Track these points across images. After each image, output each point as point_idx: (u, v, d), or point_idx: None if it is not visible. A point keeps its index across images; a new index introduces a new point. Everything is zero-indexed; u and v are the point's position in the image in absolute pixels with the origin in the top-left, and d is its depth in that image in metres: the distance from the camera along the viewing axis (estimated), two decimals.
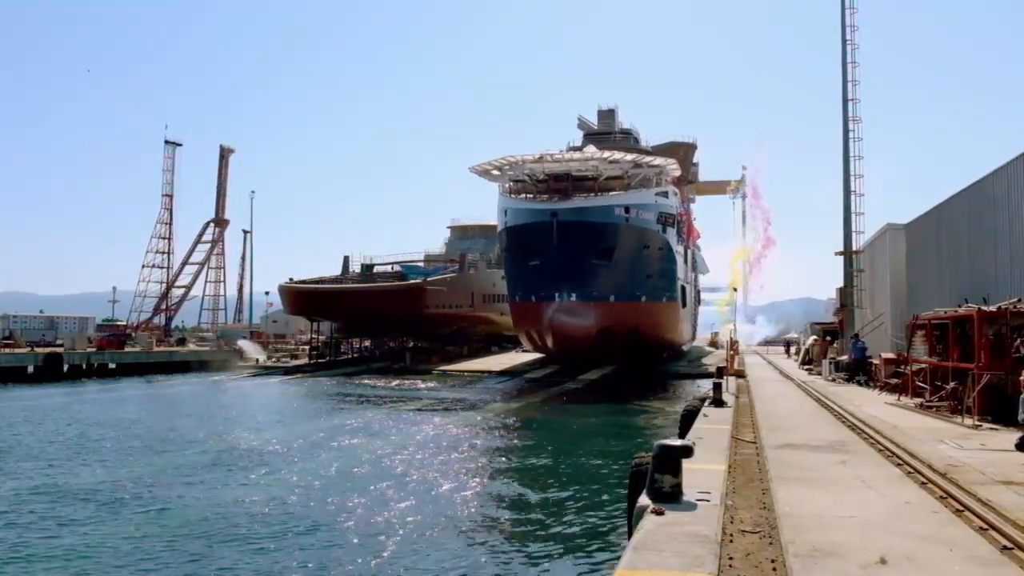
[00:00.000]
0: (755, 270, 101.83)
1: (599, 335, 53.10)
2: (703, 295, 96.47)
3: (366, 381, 53.62)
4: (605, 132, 71.86)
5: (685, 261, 70.29)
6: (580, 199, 53.60)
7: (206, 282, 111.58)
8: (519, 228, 54.00)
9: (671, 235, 59.37)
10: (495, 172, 57.76)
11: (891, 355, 26.91)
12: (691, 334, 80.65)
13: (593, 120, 75.33)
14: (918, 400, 20.30)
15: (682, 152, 77.11)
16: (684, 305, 67.28)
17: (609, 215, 52.77)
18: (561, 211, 51.32)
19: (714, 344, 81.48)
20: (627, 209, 53.73)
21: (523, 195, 56.92)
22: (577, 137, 72.80)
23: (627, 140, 71.53)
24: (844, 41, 34.58)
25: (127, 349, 71.17)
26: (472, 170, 58.46)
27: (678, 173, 62.42)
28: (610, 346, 53.34)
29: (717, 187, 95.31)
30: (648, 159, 58.91)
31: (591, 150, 58.86)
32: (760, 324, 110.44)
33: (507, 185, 58.31)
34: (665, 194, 59.48)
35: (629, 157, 56.86)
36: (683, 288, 66.28)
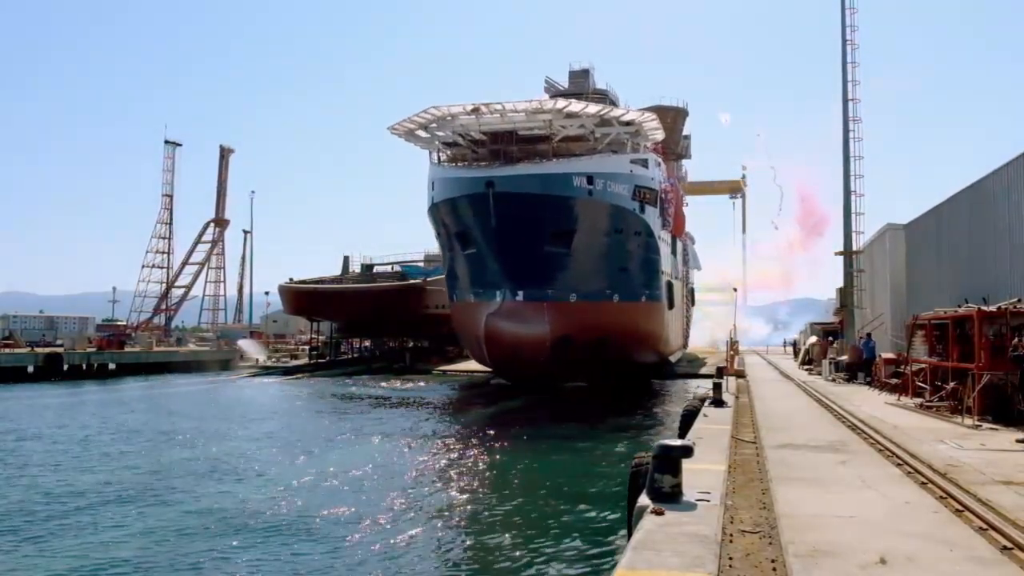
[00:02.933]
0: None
1: (555, 346, 41.93)
2: (699, 295, 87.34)
3: (368, 382, 53.56)
4: (575, 94, 55.75)
5: (673, 252, 58.72)
6: (526, 165, 42.01)
7: (206, 282, 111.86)
8: (447, 205, 42.60)
9: (652, 216, 47.23)
10: (422, 134, 45.98)
11: (891, 355, 26.91)
12: (681, 341, 68.16)
13: (563, 83, 61.75)
14: (918, 400, 20.29)
15: (669, 118, 65.31)
16: (671, 306, 54.63)
17: (565, 186, 41.15)
18: (499, 180, 39.80)
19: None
20: (590, 179, 41.92)
21: (460, 164, 45.58)
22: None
23: (602, 103, 53.92)
24: (844, 41, 34.57)
25: (127, 349, 71.15)
26: (393, 132, 45.93)
27: (660, 136, 50.01)
28: (570, 361, 42.11)
29: (715, 187, 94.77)
30: (619, 112, 45.99)
31: (544, 101, 45.65)
32: (762, 325, 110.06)
33: (438, 154, 47.06)
34: (644, 163, 47.06)
35: (593, 109, 43.74)
36: (669, 285, 53.88)
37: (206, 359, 72.49)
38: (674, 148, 72.05)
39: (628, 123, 45.83)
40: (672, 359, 58.61)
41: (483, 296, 43.62)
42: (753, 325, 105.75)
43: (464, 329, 47.24)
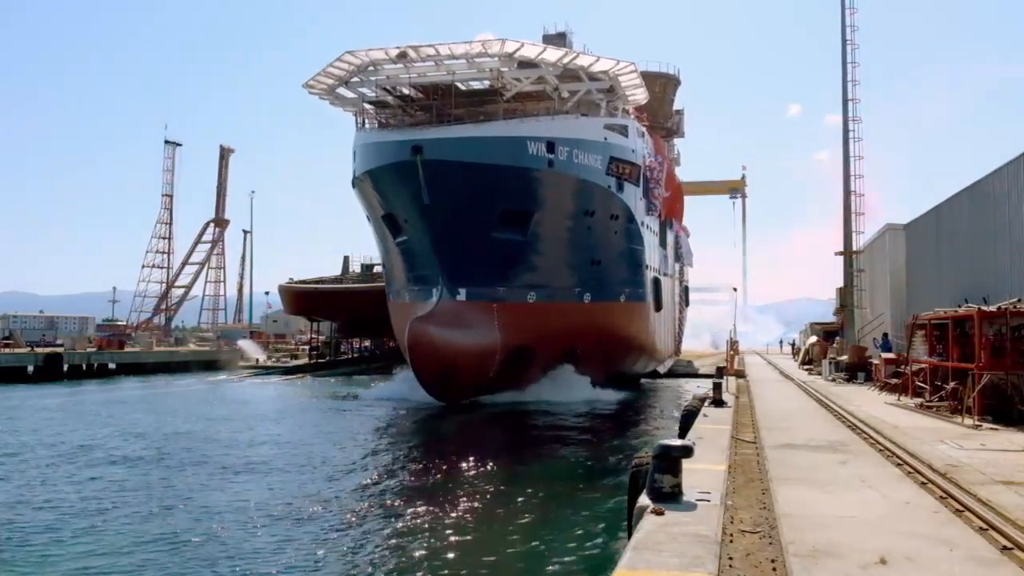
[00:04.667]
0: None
1: (507, 360, 34.38)
2: (696, 295, 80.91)
3: (368, 381, 53.52)
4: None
5: (663, 243, 51.06)
6: (466, 126, 34.13)
7: (206, 282, 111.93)
8: (368, 179, 34.89)
9: (633, 197, 39.83)
10: (346, 93, 38.40)
11: (891, 355, 26.90)
12: (672, 347, 59.79)
13: None
14: (918, 400, 20.29)
15: (658, 86, 57.68)
16: (659, 307, 46.45)
17: (516, 153, 33.04)
18: (429, 144, 31.87)
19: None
20: (551, 146, 33.96)
21: (393, 128, 37.12)
22: None
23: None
24: (844, 41, 34.55)
25: (127, 349, 71.20)
26: (312, 91, 38.19)
27: (643, 96, 41.35)
28: (527, 378, 35.78)
29: (715, 187, 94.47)
30: (587, 60, 36.77)
31: (489, 41, 35.36)
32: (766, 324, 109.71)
33: (365, 117, 38.61)
34: (622, 130, 39.31)
35: (553, 55, 35.56)
36: (656, 282, 45.86)
37: (206, 359, 72.51)
38: (664, 122, 62.30)
39: (599, 76, 37.39)
40: (661, 369, 52.33)
41: (419, 295, 35.93)
42: (761, 324, 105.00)
43: (399, 336, 37.92)
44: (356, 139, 37.30)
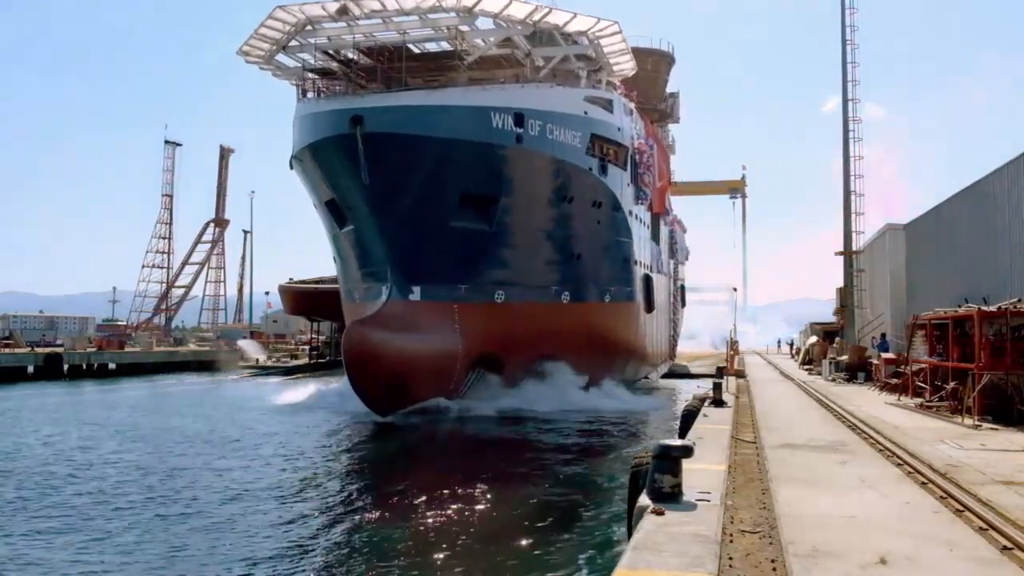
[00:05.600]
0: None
1: (472, 369, 31.08)
2: (696, 295, 79.74)
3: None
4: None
5: (655, 237, 46.64)
6: (415, 93, 29.68)
7: (206, 282, 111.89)
8: (304, 156, 30.35)
9: (619, 182, 35.84)
10: (287, 61, 33.89)
11: (891, 355, 26.91)
12: (667, 350, 55.68)
13: None
14: (918, 400, 20.29)
15: (650, 63, 52.48)
16: (651, 308, 42.56)
17: (478, 125, 28.60)
18: (370, 113, 27.27)
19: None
20: (520, 119, 29.53)
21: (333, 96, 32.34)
22: None
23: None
24: (844, 41, 34.55)
25: (127, 349, 71.20)
26: (249, 60, 33.55)
27: (630, 68, 36.83)
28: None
29: (715, 187, 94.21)
30: (563, 17, 31.53)
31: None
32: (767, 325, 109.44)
33: (308, 90, 33.30)
34: (607, 104, 35.20)
35: (521, 11, 30.29)
36: (647, 279, 41.83)
37: (206, 359, 72.49)
38: (657, 103, 56.57)
39: (577, 38, 32.52)
40: (654, 375, 48.42)
41: (369, 295, 31.45)
42: (769, 325, 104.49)
43: None
44: (295, 112, 31.86)
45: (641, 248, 40.99)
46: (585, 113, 33.41)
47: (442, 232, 29.45)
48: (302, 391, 38.90)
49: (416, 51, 32.67)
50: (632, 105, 40.19)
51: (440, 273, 30.02)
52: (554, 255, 33.49)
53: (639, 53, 45.32)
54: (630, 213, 38.15)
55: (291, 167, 32.98)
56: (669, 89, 61.57)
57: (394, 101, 28.86)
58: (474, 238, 30.27)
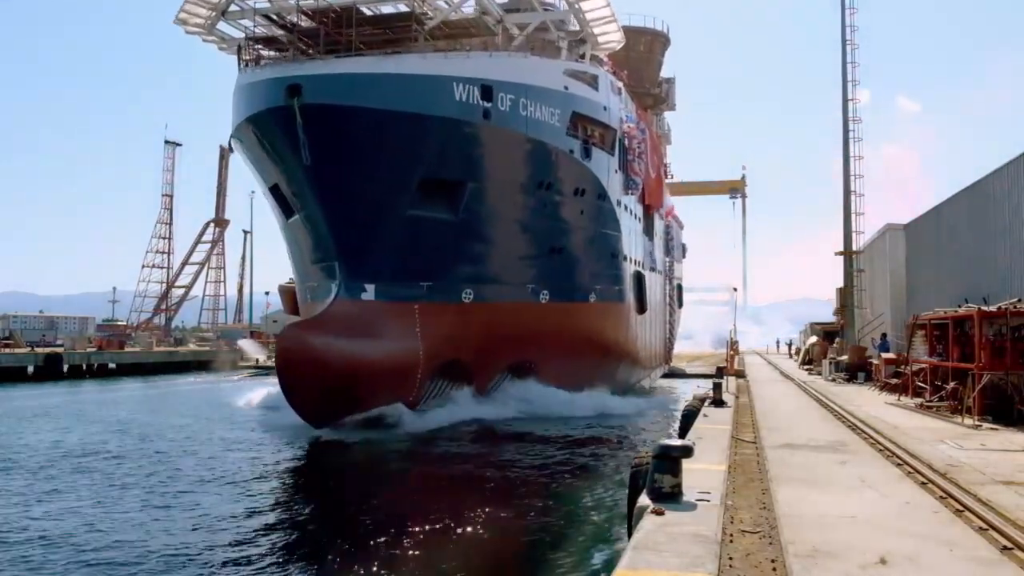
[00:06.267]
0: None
1: (434, 378, 27.58)
2: (695, 295, 78.45)
3: None
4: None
5: (648, 231, 43.44)
6: (364, 60, 25.79)
7: (206, 282, 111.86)
8: (241, 132, 26.94)
9: (605, 168, 32.64)
10: (229, 30, 30.88)
11: (891, 355, 26.91)
12: (663, 354, 52.40)
13: None
14: (918, 400, 20.29)
15: (643, 43, 49.62)
16: (643, 308, 39.61)
17: (437, 98, 25.03)
18: (310, 82, 23.83)
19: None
20: (488, 92, 26.05)
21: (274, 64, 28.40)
22: None
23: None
24: (844, 41, 34.55)
25: (127, 349, 71.23)
26: (188, 29, 30.81)
27: (618, 41, 33.87)
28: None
29: (714, 187, 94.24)
30: None
31: None
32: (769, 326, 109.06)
33: (250, 61, 28.83)
34: (592, 81, 31.89)
35: None
36: (639, 277, 38.98)
37: (206, 359, 72.53)
38: (650, 88, 52.36)
39: (550, 2, 29.63)
40: (647, 382, 44.82)
41: (319, 294, 28.09)
42: (773, 325, 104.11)
43: None
44: (238, 81, 27.86)
45: (632, 243, 37.93)
46: (565, 88, 29.85)
47: (399, 222, 25.99)
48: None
49: (368, 13, 28.35)
50: (621, 84, 36.89)
51: (398, 269, 26.59)
52: (531, 249, 30.16)
53: (631, 32, 42.95)
54: (618, 203, 34.85)
55: (230, 149, 29.34)
56: (664, 74, 57.63)
57: (339, 68, 25.11)
58: (437, 229, 26.86)
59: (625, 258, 36.47)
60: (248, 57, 29.03)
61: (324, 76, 24.51)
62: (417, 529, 14.25)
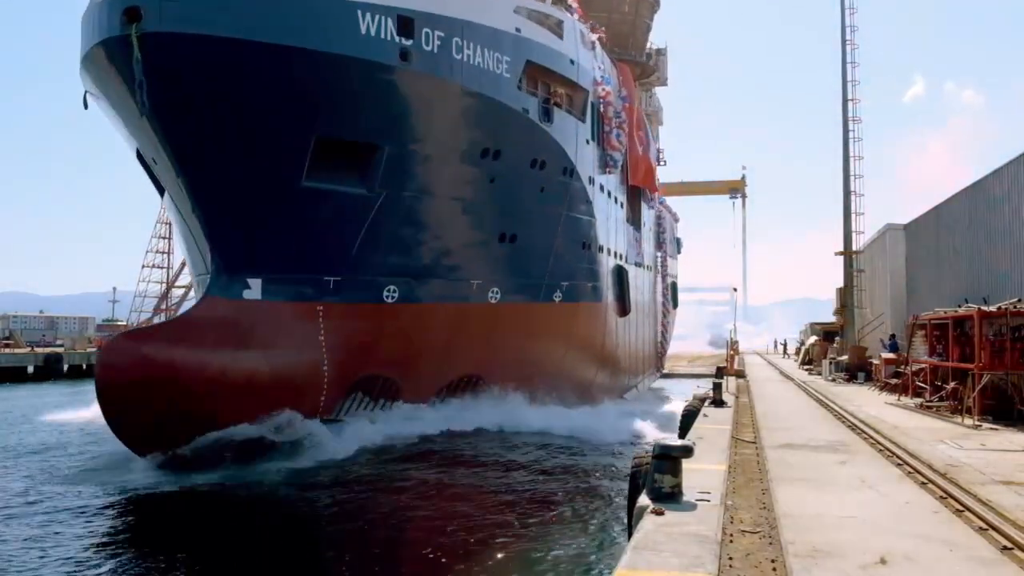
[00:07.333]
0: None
1: (347, 397, 22.62)
2: (696, 295, 78.73)
3: None
4: None
5: (634, 220, 38.65)
6: None
7: None
8: (85, 69, 20.24)
9: (573, 136, 27.02)
10: None
11: (891, 355, 26.93)
12: (654, 360, 48.69)
13: None
14: (918, 400, 20.30)
15: (627, 4, 43.72)
16: (626, 310, 34.90)
17: (335, 30, 19.36)
18: (152, 2, 17.66)
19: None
20: (407, 26, 20.51)
21: None
22: None
23: None
24: (844, 41, 34.55)
25: None
26: None
27: None
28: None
29: (714, 187, 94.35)
30: None
31: None
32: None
33: None
34: (556, 26, 26.42)
35: None
36: (621, 273, 34.02)
37: None
38: (637, 56, 45.19)
39: None
40: (630, 396, 38.29)
41: (200, 291, 23.09)
42: (776, 325, 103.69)
43: None
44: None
45: (611, 231, 32.43)
46: (517, 30, 24.22)
47: (292, 197, 20.21)
48: None
49: None
50: (595, 38, 30.91)
51: (294, 259, 21.03)
52: (474, 235, 24.50)
53: None
54: (591, 181, 28.88)
55: (85, 105, 22.00)
56: (656, 45, 50.81)
57: None
58: (346, 208, 21.21)
59: (601, 249, 30.90)
60: None
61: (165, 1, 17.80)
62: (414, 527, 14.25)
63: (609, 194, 32.84)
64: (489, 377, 25.93)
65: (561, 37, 26.74)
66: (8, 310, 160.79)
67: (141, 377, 18.27)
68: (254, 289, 20.74)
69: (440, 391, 25.11)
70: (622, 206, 36.06)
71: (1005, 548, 6.72)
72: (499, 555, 13.05)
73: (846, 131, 34.63)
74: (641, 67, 47.00)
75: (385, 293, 22.81)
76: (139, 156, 22.88)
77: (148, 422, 18.52)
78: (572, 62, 27.40)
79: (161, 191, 23.36)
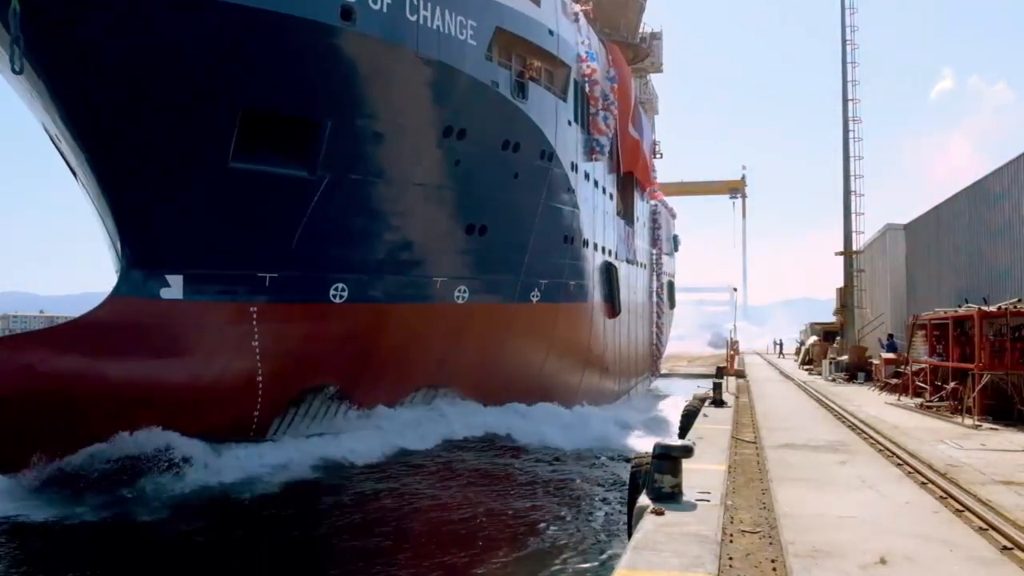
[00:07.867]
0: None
1: (288, 412, 19.68)
2: (689, 294, 76.18)
3: None
4: None
5: (625, 213, 36.37)
6: None
7: None
8: None
9: (553, 116, 24.70)
10: None
11: (891, 355, 26.93)
12: (649, 362, 45.57)
13: None
14: (918, 400, 20.30)
15: None
16: (616, 311, 32.72)
17: None
18: None
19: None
20: None
21: None
22: None
23: None
24: (844, 41, 34.54)
25: None
26: None
27: None
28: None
29: (714, 187, 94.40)
30: None
31: None
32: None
33: None
34: None
35: None
36: (609, 269, 31.78)
37: None
38: (630, 37, 42.09)
39: None
40: (619, 402, 35.02)
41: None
42: (777, 326, 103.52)
43: None
44: None
45: (598, 224, 29.78)
46: None
47: (217, 180, 17.30)
48: None
49: None
50: (578, 9, 28.19)
51: (223, 253, 18.02)
52: (437, 226, 21.60)
53: None
54: (574, 168, 26.35)
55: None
56: (651, 29, 48.01)
57: None
58: (283, 193, 18.22)
59: (587, 243, 28.31)
60: None
61: None
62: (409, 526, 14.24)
63: (596, 183, 30.03)
64: (454, 388, 23.42)
65: (539, 4, 23.89)
66: (8, 310, 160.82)
67: (14, 391, 15.07)
68: (174, 287, 17.61)
69: (395, 399, 22.00)
70: (612, 197, 33.09)
71: (1005, 548, 6.73)
72: (499, 554, 13.05)
73: (846, 131, 34.62)
74: (634, 50, 43.04)
75: (332, 292, 19.77)
76: (52, 140, 19.38)
77: (23, 440, 15.45)
78: (551, 33, 24.62)
79: (75, 174, 19.41)
